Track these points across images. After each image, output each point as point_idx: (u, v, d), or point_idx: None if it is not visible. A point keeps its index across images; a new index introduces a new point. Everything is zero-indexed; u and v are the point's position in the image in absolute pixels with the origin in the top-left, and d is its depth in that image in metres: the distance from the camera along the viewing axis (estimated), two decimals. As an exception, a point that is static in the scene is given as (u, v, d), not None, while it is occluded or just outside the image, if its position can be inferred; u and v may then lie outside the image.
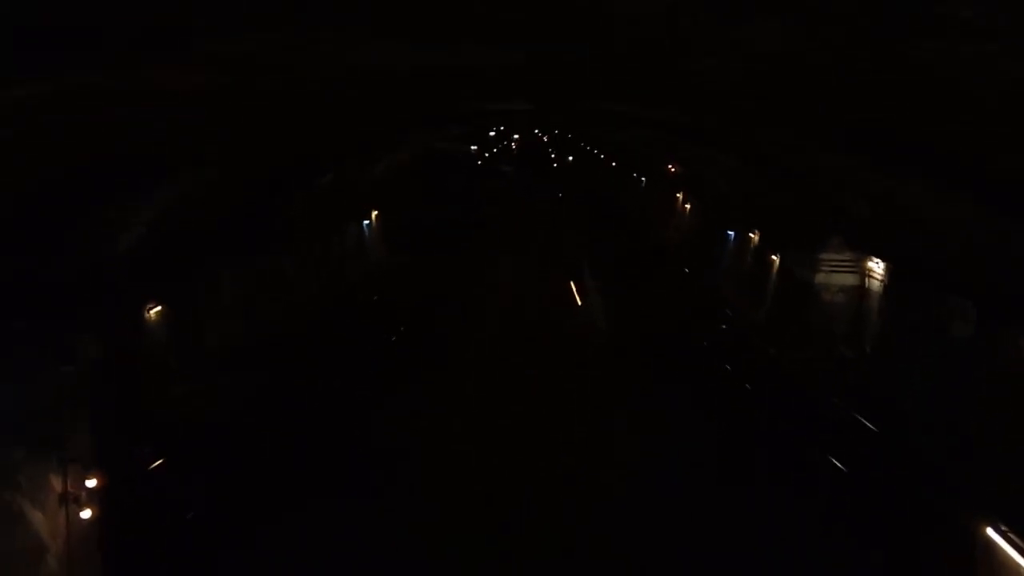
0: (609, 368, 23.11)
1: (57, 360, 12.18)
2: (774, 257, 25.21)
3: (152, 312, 16.69)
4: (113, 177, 13.06)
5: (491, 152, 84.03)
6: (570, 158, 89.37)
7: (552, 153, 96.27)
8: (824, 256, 21.34)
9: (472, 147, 71.50)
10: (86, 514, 11.43)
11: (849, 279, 20.88)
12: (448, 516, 14.14)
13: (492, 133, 78.34)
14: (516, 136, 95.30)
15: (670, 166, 40.93)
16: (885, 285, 19.24)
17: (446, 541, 13.26)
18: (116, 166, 12.80)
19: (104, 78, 9.17)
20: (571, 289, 33.27)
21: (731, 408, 19.78)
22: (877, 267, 19.63)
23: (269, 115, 15.12)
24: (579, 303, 31.51)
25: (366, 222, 34.71)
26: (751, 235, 27.93)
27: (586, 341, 25.97)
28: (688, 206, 39.63)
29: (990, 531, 11.18)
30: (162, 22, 7.63)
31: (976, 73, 7.40)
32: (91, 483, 11.54)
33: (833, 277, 21.16)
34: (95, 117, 10.65)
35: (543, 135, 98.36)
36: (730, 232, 30.67)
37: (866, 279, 20.35)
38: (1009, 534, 10.75)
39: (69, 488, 11.22)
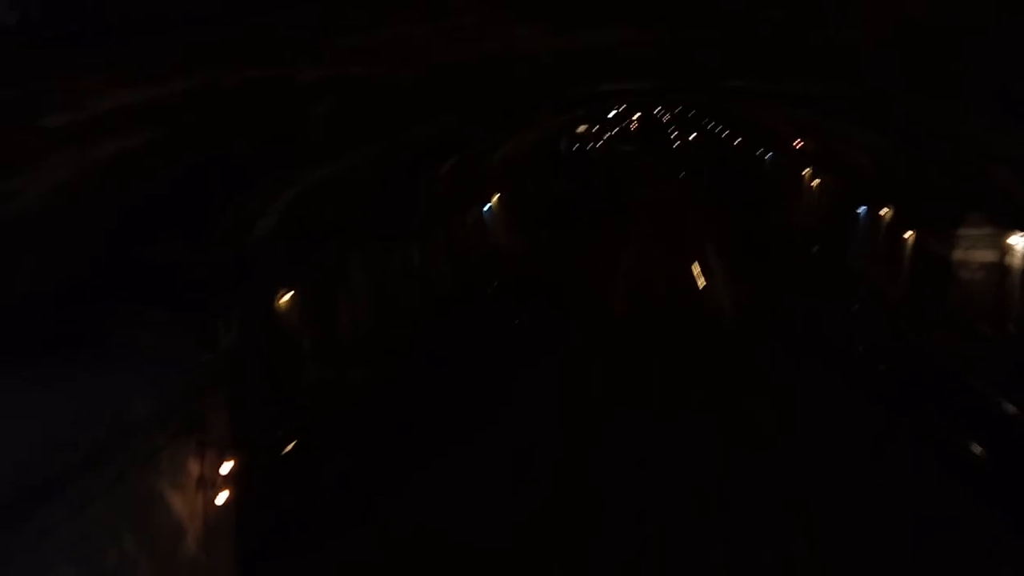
0: (735, 348, 22.80)
1: (196, 346, 12.55)
2: (909, 234, 24.16)
3: (286, 299, 17.26)
4: (248, 168, 13.66)
5: (611, 132, 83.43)
6: (691, 137, 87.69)
7: (673, 132, 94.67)
8: (963, 232, 20.31)
9: (593, 128, 71.19)
10: (222, 497, 11.73)
11: (989, 255, 19.81)
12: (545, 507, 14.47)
13: (612, 114, 77.73)
14: (637, 115, 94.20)
15: (796, 142, 39.65)
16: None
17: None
18: (250, 158, 13.38)
19: (238, 73, 9.60)
20: (693, 271, 32.84)
21: (861, 389, 19.20)
22: (1019, 242, 18.56)
23: (398, 105, 15.48)
24: (701, 284, 31.06)
25: (486, 208, 35.11)
26: (884, 211, 26.82)
27: (710, 322, 25.71)
28: (816, 182, 38.34)
29: None
30: (297, 18, 7.91)
31: None
32: (227, 467, 11.87)
33: (972, 253, 20.12)
34: (233, 110, 11.18)
35: (663, 114, 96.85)
36: (861, 209, 29.54)
37: (1008, 255, 19.27)
38: None
39: (205, 472, 11.52)
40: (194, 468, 11.45)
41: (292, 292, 17.45)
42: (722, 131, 70.55)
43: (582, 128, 65.36)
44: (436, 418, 18.03)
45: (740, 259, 34.42)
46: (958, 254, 20.45)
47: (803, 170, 40.68)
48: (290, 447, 15.33)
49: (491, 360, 22.01)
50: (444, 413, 18.34)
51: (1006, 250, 19.40)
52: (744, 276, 31.29)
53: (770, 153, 51.07)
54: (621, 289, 30.01)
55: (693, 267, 33.27)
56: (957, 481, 14.75)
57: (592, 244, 38.61)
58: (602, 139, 77.50)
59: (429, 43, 10.41)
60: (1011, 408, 16.06)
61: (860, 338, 22.40)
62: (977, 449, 15.51)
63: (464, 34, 10.21)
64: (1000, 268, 19.66)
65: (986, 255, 20.08)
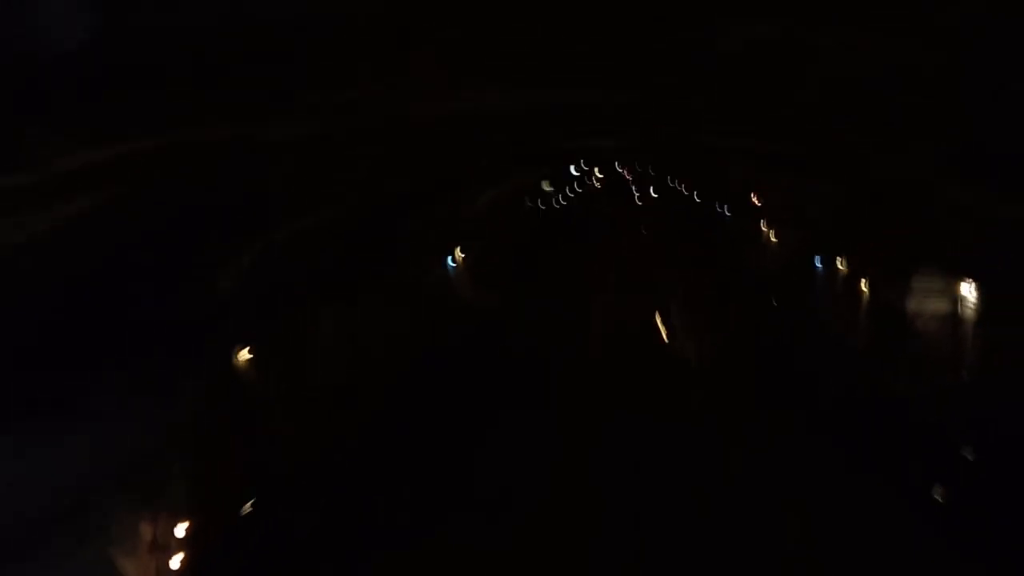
0: (703, 399, 23.17)
1: (156, 404, 12.51)
2: (863, 285, 24.80)
3: (251, 354, 17.17)
4: (214, 224, 13.74)
5: (576, 191, 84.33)
6: (654, 195, 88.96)
7: (635, 190, 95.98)
8: (915, 283, 20.92)
9: (557, 186, 72.02)
10: (175, 563, 11.56)
11: (942, 304, 20.39)
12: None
13: (575, 172, 78.62)
14: (599, 175, 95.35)
15: (753, 197, 40.60)
16: (980, 310, 18.78)
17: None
18: (216, 214, 13.47)
19: (207, 130, 9.79)
20: (657, 324, 33.22)
21: (825, 436, 19.53)
22: (969, 291, 19.18)
23: (365, 161, 15.77)
24: (665, 339, 31.43)
25: (451, 263, 35.35)
26: (839, 263, 27.52)
27: (675, 376, 26.08)
28: (773, 237, 39.16)
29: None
30: (265, 74, 8.13)
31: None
32: (181, 531, 11.75)
33: (924, 303, 20.71)
34: (197, 167, 11.34)
35: (625, 170, 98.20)
36: (817, 261, 30.25)
37: (960, 304, 19.86)
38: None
39: (159, 536, 11.41)
40: (146, 533, 11.21)
41: (257, 348, 17.39)
42: (683, 188, 71.80)
43: (547, 186, 66.10)
44: (408, 476, 17.92)
45: (700, 313, 34.82)
46: (910, 304, 21.02)
47: (760, 223, 41.54)
48: (248, 506, 15.06)
49: (472, 395, 22.59)
50: (415, 468, 18.24)
51: (959, 300, 19.99)
52: (704, 330, 31.68)
53: (727, 208, 52.09)
54: (585, 348, 30.29)
55: (656, 318, 33.65)
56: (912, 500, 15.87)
57: (556, 300, 38.93)
58: (567, 196, 78.24)
59: (395, 101, 10.71)
60: (967, 450, 16.60)
61: (823, 386, 22.88)
62: (937, 489, 16.05)
63: (430, 92, 10.54)
64: (953, 318, 20.20)
65: (940, 305, 20.64)
